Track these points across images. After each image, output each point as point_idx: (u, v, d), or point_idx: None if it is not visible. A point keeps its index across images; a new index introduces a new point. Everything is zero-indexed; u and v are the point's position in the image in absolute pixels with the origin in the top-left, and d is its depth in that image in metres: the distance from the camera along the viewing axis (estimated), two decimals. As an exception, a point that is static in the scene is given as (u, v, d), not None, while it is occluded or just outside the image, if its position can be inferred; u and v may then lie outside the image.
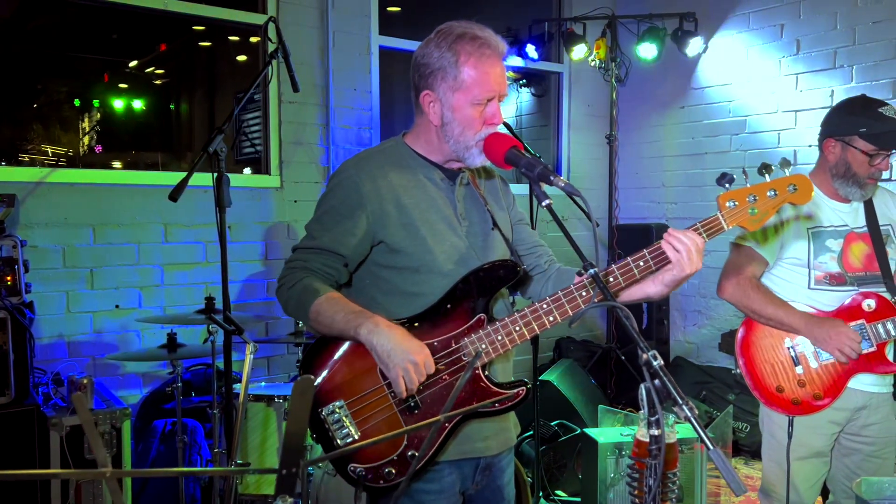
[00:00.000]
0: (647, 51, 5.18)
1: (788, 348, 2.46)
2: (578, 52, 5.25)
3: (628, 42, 5.39)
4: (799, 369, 2.44)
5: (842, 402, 2.43)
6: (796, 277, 2.49)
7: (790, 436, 2.41)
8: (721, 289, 2.57)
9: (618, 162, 5.62)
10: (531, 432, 3.89)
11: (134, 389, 3.82)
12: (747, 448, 4.55)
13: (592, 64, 5.44)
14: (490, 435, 1.81)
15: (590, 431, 3.43)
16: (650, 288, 1.75)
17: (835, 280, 2.46)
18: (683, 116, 5.37)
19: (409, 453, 1.69)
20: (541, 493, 3.76)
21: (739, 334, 2.55)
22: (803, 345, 2.45)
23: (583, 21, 5.35)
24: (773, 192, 1.67)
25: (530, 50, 5.22)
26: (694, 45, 5.05)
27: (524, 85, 5.99)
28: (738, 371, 2.54)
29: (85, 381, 2.98)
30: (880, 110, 2.41)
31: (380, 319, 1.65)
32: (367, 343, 1.64)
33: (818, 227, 2.48)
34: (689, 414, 1.34)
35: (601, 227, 5.52)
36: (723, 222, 1.67)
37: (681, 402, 1.35)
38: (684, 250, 1.62)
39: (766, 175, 1.68)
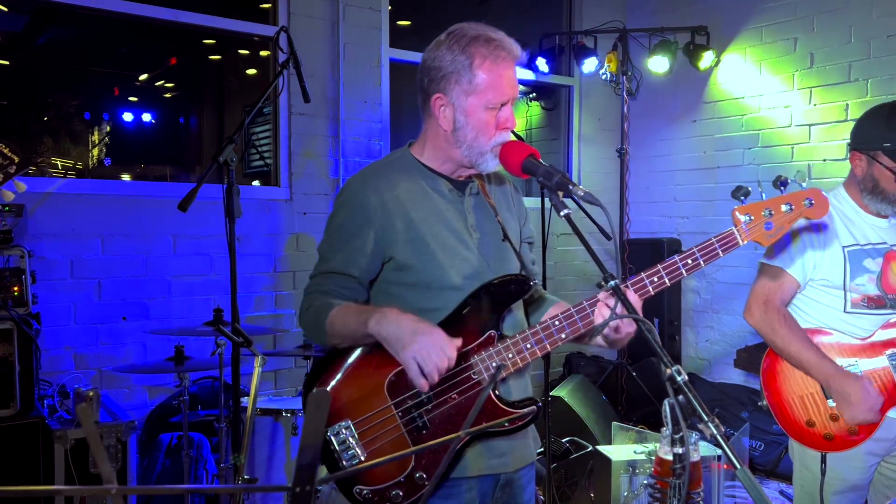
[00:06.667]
0: (658, 64, 5.16)
1: None
2: (589, 65, 5.24)
3: (639, 56, 5.38)
4: (831, 402, 2.24)
5: (881, 432, 2.24)
6: (831, 300, 2.31)
7: (823, 472, 2.24)
8: (749, 312, 2.38)
9: (629, 176, 5.59)
10: (542, 449, 3.83)
11: (140, 402, 3.78)
12: (762, 467, 4.47)
13: (603, 77, 5.42)
14: (506, 451, 1.75)
15: (602, 449, 3.37)
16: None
17: (873, 303, 2.27)
18: (695, 130, 5.33)
19: (417, 475, 1.64)
20: (552, 512, 3.69)
21: (765, 364, 2.36)
22: None
23: (594, 35, 5.34)
24: (788, 207, 1.61)
25: (541, 63, 5.21)
26: (706, 59, 5.03)
27: (534, 98, 5.97)
28: (765, 403, 2.34)
29: (90, 394, 2.95)
30: None
31: (389, 310, 1.60)
32: (376, 335, 1.58)
33: (855, 246, 2.29)
34: (714, 431, 1.29)
35: (611, 242, 5.47)
36: (738, 237, 1.61)
37: (706, 419, 1.30)
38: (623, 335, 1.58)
39: (782, 189, 1.62)
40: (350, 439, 1.65)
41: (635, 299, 1.57)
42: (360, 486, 1.65)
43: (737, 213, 1.61)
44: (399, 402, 1.65)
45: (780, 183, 1.62)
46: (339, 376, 1.69)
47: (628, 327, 1.56)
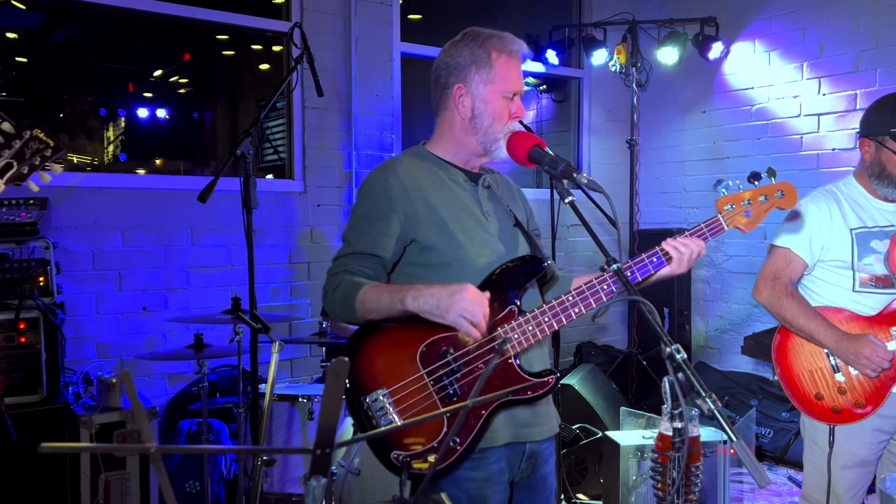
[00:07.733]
0: (667, 56, 5.19)
1: (828, 355, 2.40)
2: (599, 57, 5.28)
3: (649, 47, 5.40)
4: (839, 376, 2.38)
5: (886, 408, 2.35)
6: (840, 280, 2.44)
7: (831, 445, 2.36)
8: (757, 290, 2.53)
9: (639, 167, 5.62)
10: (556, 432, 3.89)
11: (160, 390, 3.88)
12: (770, 454, 4.52)
13: (613, 69, 5.45)
14: (533, 422, 1.86)
15: (612, 434, 3.42)
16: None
17: (881, 282, 2.39)
18: (705, 121, 5.36)
19: (450, 440, 1.74)
20: (562, 497, 3.76)
21: (776, 341, 2.50)
22: None
23: (603, 26, 5.37)
24: (763, 198, 1.81)
25: (550, 55, 5.24)
26: (715, 50, 5.05)
27: (544, 90, 6.01)
28: (776, 378, 2.47)
29: (113, 381, 3.05)
30: None
31: (420, 286, 1.70)
32: (417, 311, 1.67)
33: (863, 228, 2.42)
34: (712, 406, 1.35)
35: (621, 232, 5.51)
36: (723, 223, 1.81)
37: (704, 395, 1.36)
38: (687, 253, 1.78)
39: (756, 182, 1.81)
40: (387, 405, 1.75)
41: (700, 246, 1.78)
42: (397, 452, 1.74)
43: (721, 203, 1.82)
44: (431, 371, 1.75)
45: (754, 178, 1.81)
46: (375, 347, 1.80)
47: (693, 245, 1.77)
